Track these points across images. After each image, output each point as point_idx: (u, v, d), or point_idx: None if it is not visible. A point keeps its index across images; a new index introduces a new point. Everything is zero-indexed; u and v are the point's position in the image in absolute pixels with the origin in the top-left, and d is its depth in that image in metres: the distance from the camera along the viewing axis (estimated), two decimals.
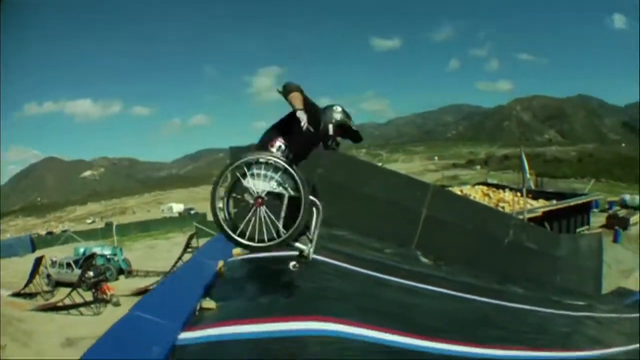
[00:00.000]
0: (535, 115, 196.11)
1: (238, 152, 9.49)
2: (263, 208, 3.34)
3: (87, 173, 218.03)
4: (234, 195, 3.50)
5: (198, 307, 3.71)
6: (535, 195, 26.47)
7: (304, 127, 3.31)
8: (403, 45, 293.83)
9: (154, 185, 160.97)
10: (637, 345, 5.57)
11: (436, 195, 10.69)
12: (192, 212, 63.54)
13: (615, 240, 24.53)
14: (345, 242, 8.07)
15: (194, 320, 3.50)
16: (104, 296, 19.62)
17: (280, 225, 3.35)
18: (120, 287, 22.53)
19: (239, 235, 3.39)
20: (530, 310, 6.96)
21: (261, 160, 3.37)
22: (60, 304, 18.96)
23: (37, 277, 23.50)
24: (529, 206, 22.26)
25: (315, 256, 3.74)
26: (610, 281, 14.60)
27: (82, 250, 29.25)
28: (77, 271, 22.45)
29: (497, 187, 30.14)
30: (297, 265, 3.72)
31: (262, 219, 3.34)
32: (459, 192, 25.56)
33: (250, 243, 3.40)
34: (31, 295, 22.39)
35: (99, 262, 24.78)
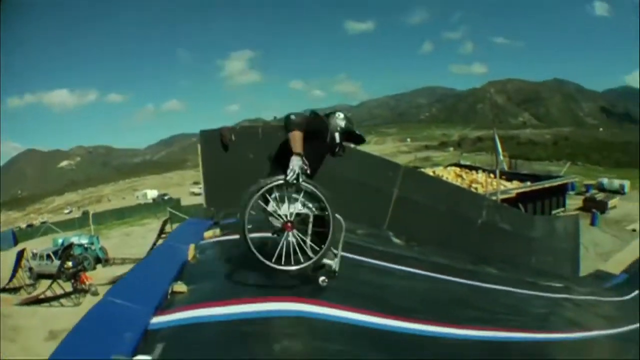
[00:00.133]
0: (510, 98, 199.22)
1: (209, 136, 9.48)
2: (294, 232, 3.46)
3: (65, 163, 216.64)
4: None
5: (170, 291, 3.78)
6: (509, 177, 26.95)
7: (294, 174, 3.32)
8: (377, 28, 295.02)
9: (128, 172, 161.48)
10: (620, 329, 5.60)
11: (408, 176, 10.64)
12: (166, 197, 66.09)
13: (592, 223, 25.18)
14: None
15: (166, 304, 3.55)
16: (83, 286, 20.35)
17: (309, 246, 3.48)
18: (98, 276, 23.13)
19: (275, 262, 3.46)
20: (505, 291, 6.94)
21: (284, 183, 3.39)
22: (42, 296, 19.55)
23: (19, 270, 23.84)
24: (502, 187, 22.58)
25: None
26: (588, 264, 14.94)
27: (60, 241, 29.98)
28: (57, 262, 22.95)
29: (470, 168, 30.62)
30: (326, 281, 3.75)
31: (294, 242, 3.45)
32: (431, 174, 25.70)
33: (289, 267, 3.49)
34: (15, 290, 22.77)
35: (76, 251, 25.46)
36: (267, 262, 3.46)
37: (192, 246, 5.17)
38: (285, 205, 3.44)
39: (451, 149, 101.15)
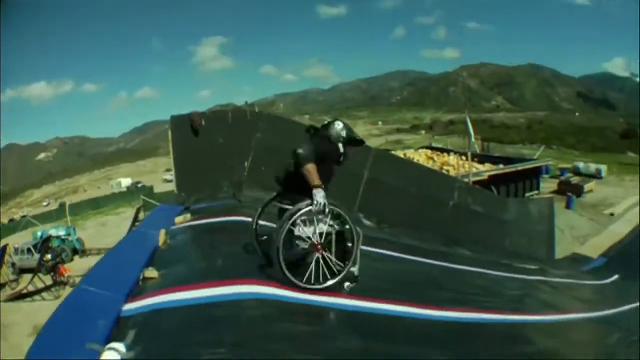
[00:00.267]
0: (483, 82, 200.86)
1: (179, 121, 9.62)
2: (325, 253, 3.63)
3: (42, 155, 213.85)
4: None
5: (141, 277, 3.95)
6: (482, 159, 27.24)
7: (321, 206, 3.49)
8: (349, 13, 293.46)
9: (103, 162, 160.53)
10: (601, 312, 5.65)
11: (378, 158, 10.72)
12: (139, 185, 66.45)
13: (568, 207, 25.45)
14: None
15: (138, 290, 3.71)
16: (62, 278, 20.63)
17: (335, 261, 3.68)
18: (76, 267, 23.16)
19: (306, 283, 3.61)
20: (479, 272, 6.96)
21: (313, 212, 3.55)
22: (24, 291, 19.83)
23: (3, 266, 23.60)
24: (474, 170, 22.76)
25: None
26: (564, 247, 15.22)
27: (39, 234, 30.11)
28: (37, 256, 22.98)
29: (442, 150, 30.91)
30: (350, 286, 3.85)
31: (324, 262, 3.63)
32: (402, 156, 25.76)
33: (320, 286, 3.64)
34: (0, 286, 22.59)
35: (55, 243, 25.51)
36: (299, 283, 3.58)
37: (162, 232, 5.35)
38: (312, 227, 3.60)
39: (423, 132, 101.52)
